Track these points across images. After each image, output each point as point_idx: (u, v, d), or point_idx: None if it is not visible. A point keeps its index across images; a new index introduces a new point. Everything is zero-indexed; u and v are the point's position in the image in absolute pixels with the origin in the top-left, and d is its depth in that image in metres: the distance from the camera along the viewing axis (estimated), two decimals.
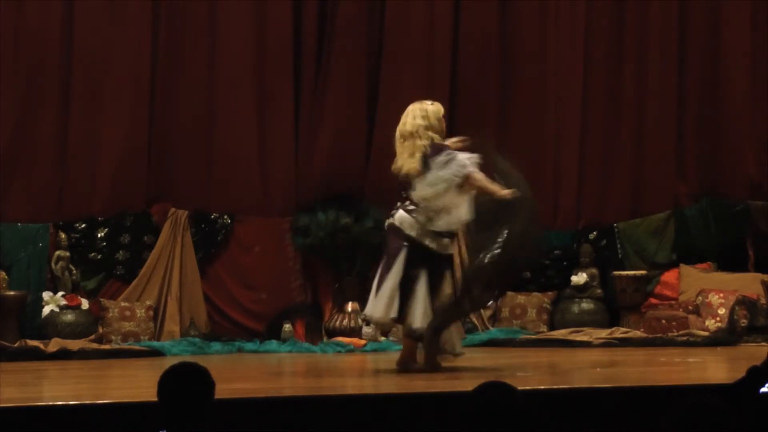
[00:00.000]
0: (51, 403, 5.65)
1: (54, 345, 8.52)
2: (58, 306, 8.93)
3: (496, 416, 3.38)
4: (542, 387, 6.32)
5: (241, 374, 7.47)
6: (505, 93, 9.95)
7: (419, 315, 6.99)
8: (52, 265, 9.09)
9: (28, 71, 9.20)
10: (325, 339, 9.20)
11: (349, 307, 9.30)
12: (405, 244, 7.03)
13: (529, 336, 9.27)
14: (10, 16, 9.14)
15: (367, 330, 9.03)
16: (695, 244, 9.87)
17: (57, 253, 9.11)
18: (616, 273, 9.64)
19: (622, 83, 10.03)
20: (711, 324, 9.09)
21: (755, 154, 9.97)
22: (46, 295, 8.97)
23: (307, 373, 7.92)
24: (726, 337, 8.91)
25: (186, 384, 3.86)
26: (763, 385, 4.13)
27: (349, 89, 9.62)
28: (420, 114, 7.13)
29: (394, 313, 7.06)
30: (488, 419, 3.38)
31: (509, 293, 9.61)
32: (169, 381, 3.87)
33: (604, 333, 9.17)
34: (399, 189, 7.20)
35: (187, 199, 9.47)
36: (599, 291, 9.65)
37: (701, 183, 10.04)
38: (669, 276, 9.75)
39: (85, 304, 9.03)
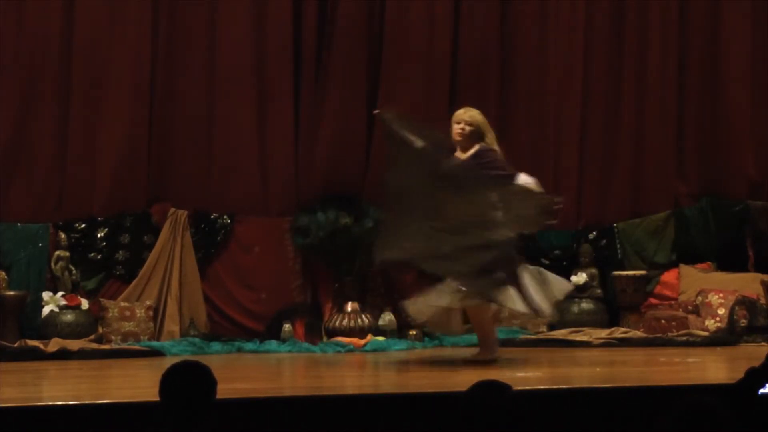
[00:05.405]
0: (51, 403, 5.65)
1: (54, 345, 8.51)
2: (58, 306, 8.92)
3: (490, 415, 3.38)
4: (542, 387, 6.33)
5: (241, 374, 7.46)
6: (505, 93, 9.94)
7: None
8: (52, 265, 9.09)
9: (28, 71, 9.19)
10: (325, 339, 9.19)
11: (349, 307, 9.29)
12: None
13: (529, 336, 9.25)
14: (10, 16, 9.13)
15: None
16: (695, 244, 9.87)
17: (57, 253, 9.11)
18: (616, 273, 9.64)
19: (622, 83, 10.03)
20: (711, 324, 9.09)
21: (755, 154, 9.97)
22: (46, 295, 8.96)
23: (307, 373, 7.91)
24: (726, 337, 8.91)
25: (188, 382, 3.87)
26: (761, 386, 4.13)
27: (349, 89, 9.61)
28: None
29: None
30: (482, 418, 3.38)
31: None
32: (172, 379, 3.88)
33: (603, 333, 9.16)
34: None
35: (187, 199, 9.46)
36: (599, 291, 9.64)
37: (701, 183, 10.04)
38: (669, 276, 9.75)
39: (84, 304, 9.03)
